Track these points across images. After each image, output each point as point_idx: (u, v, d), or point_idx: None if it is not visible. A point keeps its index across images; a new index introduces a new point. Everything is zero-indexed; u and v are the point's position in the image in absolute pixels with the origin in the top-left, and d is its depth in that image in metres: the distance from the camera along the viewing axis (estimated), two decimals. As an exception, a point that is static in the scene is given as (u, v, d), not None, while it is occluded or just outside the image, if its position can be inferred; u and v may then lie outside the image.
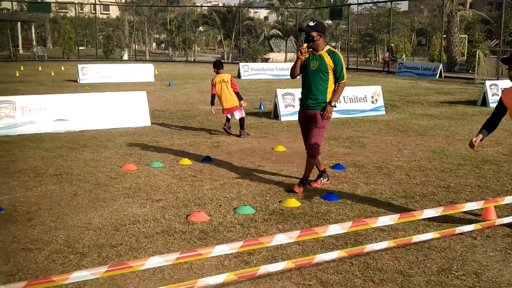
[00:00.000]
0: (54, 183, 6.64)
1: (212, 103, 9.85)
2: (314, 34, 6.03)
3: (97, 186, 6.49)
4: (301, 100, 6.39)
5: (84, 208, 5.63)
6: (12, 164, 7.57)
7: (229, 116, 10.07)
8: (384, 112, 13.17)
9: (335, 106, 6.17)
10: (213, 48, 66.28)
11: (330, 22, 47.73)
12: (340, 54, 6.19)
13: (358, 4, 42.03)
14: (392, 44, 36.82)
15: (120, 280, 3.90)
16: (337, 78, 6.11)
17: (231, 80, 9.84)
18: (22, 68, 28.35)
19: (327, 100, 6.12)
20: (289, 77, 6.76)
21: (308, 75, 6.18)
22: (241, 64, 25.86)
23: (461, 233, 4.73)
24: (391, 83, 22.74)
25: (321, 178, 6.61)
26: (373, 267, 4.14)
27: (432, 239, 4.58)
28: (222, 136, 9.95)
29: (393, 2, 32.40)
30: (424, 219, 5.03)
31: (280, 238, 2.68)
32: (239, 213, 5.45)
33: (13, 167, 7.40)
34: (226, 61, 41.75)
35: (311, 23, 6.13)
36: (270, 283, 3.86)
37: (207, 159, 7.90)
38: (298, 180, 6.60)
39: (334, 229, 2.78)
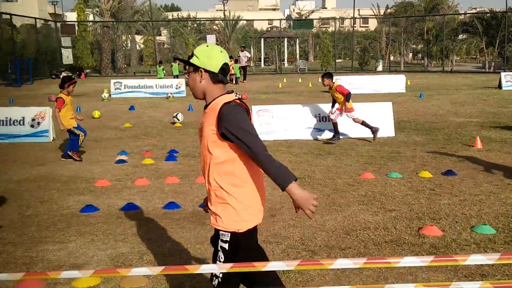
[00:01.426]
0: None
1: None
2: None
3: (335, 191, 6.82)
4: None
5: (320, 211, 6.00)
6: (265, 166, 8.46)
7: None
8: None
9: None
10: (474, 57, 61.87)
11: None
12: None
13: None
14: None
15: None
16: None
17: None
18: (284, 80, 31.04)
19: None
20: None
21: None
22: (502, 74, 23.63)
23: None
24: None
25: None
26: None
27: None
28: (470, 150, 9.33)
29: None
30: None
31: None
32: (476, 232, 5.11)
33: (266, 169, 8.26)
34: (487, 70, 38.50)
35: None
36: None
37: (449, 173, 7.54)
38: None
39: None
